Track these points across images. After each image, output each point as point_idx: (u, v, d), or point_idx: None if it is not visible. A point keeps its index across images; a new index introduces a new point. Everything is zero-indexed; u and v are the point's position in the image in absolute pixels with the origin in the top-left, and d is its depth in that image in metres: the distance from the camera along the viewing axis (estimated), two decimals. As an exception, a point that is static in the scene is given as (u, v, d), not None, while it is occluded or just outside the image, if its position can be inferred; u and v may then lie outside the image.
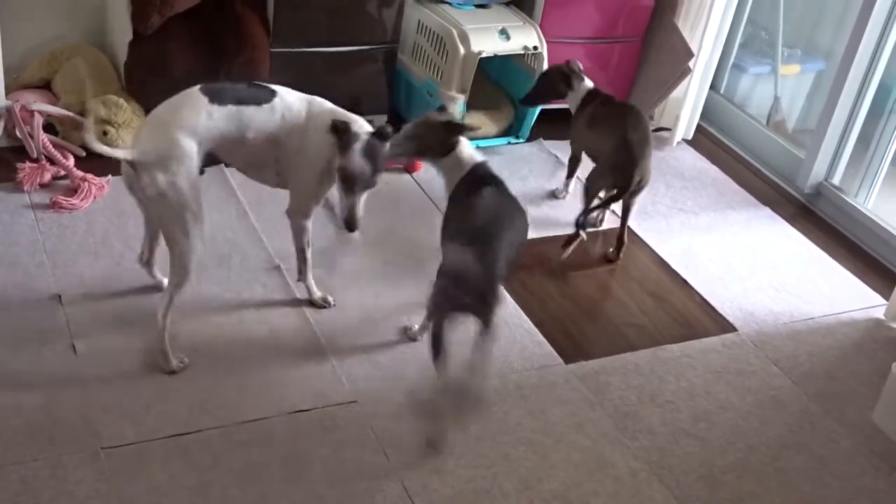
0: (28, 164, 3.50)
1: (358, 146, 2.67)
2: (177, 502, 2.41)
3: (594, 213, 3.71)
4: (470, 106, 4.00)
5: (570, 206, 3.91)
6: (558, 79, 3.73)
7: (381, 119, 4.16)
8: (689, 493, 2.69)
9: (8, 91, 3.70)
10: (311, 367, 2.86)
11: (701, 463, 2.80)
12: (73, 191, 3.46)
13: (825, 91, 4.23)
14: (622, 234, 3.63)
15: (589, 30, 4.31)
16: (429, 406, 2.67)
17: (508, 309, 3.26)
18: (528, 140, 4.30)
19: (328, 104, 2.88)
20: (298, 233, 2.98)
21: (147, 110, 3.61)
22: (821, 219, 4.16)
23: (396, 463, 2.62)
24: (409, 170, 3.95)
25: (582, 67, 3.73)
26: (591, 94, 3.70)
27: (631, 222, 3.81)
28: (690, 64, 4.28)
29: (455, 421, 2.68)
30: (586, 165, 3.71)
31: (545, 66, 3.99)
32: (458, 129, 2.86)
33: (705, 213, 4.05)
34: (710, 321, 3.41)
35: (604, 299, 3.45)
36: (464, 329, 2.58)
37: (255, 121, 2.75)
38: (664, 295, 3.50)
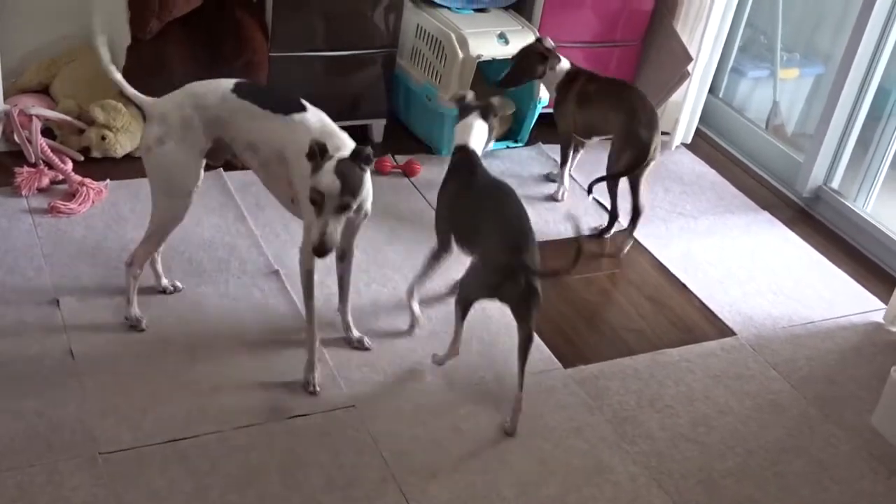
0: (26, 168, 3.50)
1: (329, 165, 2.44)
2: (174, 507, 2.41)
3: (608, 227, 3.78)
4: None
5: (566, 211, 3.91)
6: (535, 59, 3.72)
7: (380, 123, 4.17)
8: (689, 497, 2.68)
9: (6, 95, 3.70)
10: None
11: (700, 467, 2.79)
12: (71, 195, 3.46)
13: (824, 95, 4.23)
14: (637, 205, 3.67)
15: (588, 34, 4.31)
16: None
17: (506, 313, 3.26)
18: (527, 144, 4.30)
19: (335, 130, 2.69)
20: (302, 277, 2.75)
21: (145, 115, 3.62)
22: (820, 223, 4.16)
23: (395, 468, 2.61)
24: (408, 174, 3.95)
25: (554, 45, 3.73)
26: (574, 73, 3.71)
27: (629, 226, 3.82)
28: (689, 68, 4.29)
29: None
30: (586, 167, 3.71)
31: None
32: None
33: (704, 218, 4.05)
34: (709, 325, 3.40)
35: (603, 304, 3.45)
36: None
37: (264, 128, 2.69)
38: (663, 299, 3.50)
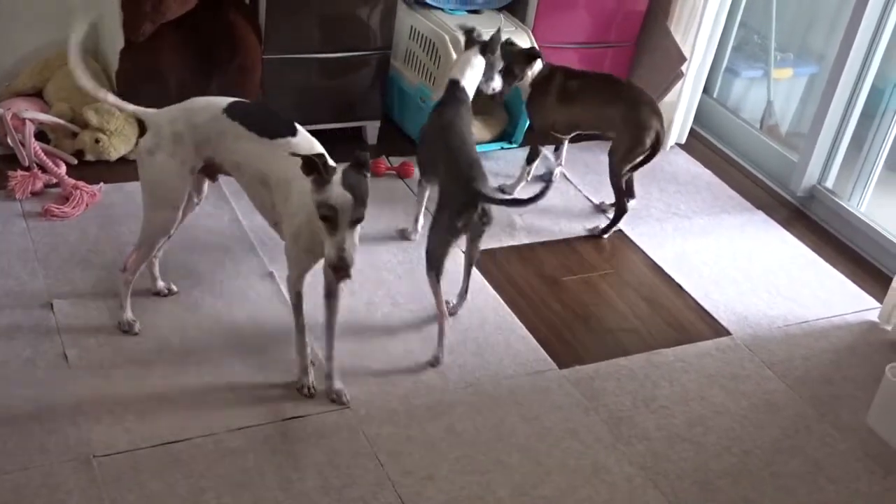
0: (20, 172, 3.49)
1: (336, 177, 2.36)
2: (169, 511, 2.40)
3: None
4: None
5: (561, 212, 3.92)
6: (522, 60, 3.67)
7: (375, 125, 4.17)
8: (685, 498, 2.68)
9: (-1, 99, 3.70)
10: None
11: (696, 468, 2.79)
12: (65, 199, 3.45)
13: (818, 94, 4.23)
14: (630, 197, 3.80)
15: (582, 35, 4.31)
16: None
17: (502, 314, 3.27)
18: (522, 145, 4.29)
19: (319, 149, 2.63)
20: (291, 298, 2.73)
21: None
22: (814, 222, 4.16)
23: (390, 469, 2.61)
24: (403, 175, 3.95)
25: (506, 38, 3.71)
26: (551, 68, 3.71)
27: (624, 227, 3.82)
28: (683, 68, 4.29)
29: None
30: (579, 167, 3.71)
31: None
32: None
33: (699, 218, 4.05)
34: (704, 325, 3.40)
35: (598, 304, 3.44)
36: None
37: (248, 150, 2.66)
38: (658, 299, 3.50)
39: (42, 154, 3.52)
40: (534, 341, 3.17)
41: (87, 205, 3.45)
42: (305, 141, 2.65)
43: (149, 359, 2.85)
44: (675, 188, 4.23)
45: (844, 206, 4.09)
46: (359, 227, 2.41)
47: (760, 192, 4.34)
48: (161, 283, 3.09)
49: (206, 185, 2.95)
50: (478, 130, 4.04)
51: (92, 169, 3.64)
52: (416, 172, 3.92)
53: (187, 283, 3.17)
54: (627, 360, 3.17)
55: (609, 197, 3.85)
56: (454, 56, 3.90)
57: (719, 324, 3.41)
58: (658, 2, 4.35)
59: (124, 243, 3.24)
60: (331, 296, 2.72)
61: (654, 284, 3.59)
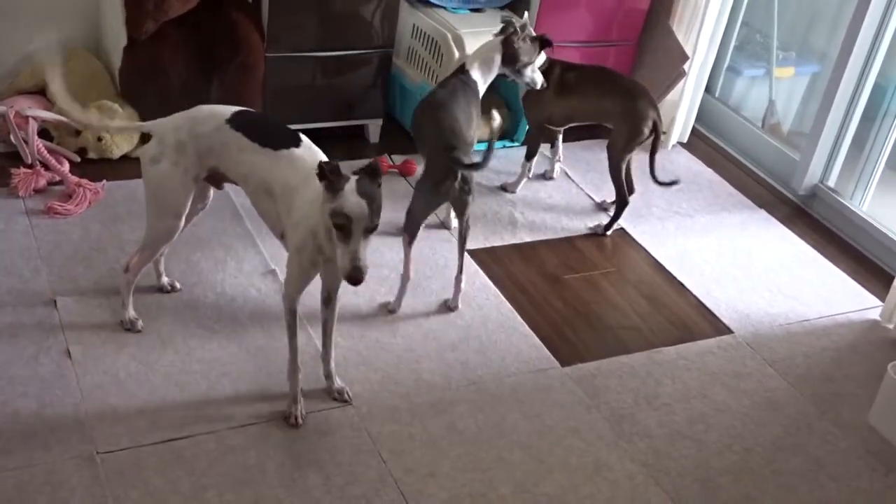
0: (23, 169, 3.50)
1: (350, 185, 2.33)
2: (172, 507, 2.41)
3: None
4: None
5: (563, 210, 3.92)
6: (534, 45, 3.61)
7: (377, 123, 4.17)
8: (686, 495, 2.69)
9: (2, 97, 3.70)
10: (307, 371, 2.85)
11: (697, 465, 2.79)
12: (68, 196, 3.46)
13: (820, 93, 4.23)
14: (630, 190, 3.79)
15: (584, 33, 4.31)
16: None
17: (503, 312, 3.27)
18: (523, 143, 4.29)
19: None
20: (286, 314, 2.66)
21: (141, 115, 3.63)
22: (816, 221, 4.16)
23: (393, 467, 2.61)
24: (405, 173, 3.95)
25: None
26: (550, 62, 3.73)
27: (626, 225, 3.82)
28: (685, 67, 4.29)
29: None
30: (580, 165, 3.71)
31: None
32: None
33: (701, 216, 4.05)
34: (705, 323, 3.41)
35: (599, 302, 3.45)
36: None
37: (252, 161, 2.64)
38: (660, 297, 3.50)
39: (45, 151, 3.53)
40: (536, 339, 3.17)
41: (89, 202, 3.46)
42: (308, 151, 2.64)
43: (151, 356, 2.85)
44: (676, 186, 4.22)
45: (846, 204, 4.09)
46: (371, 237, 2.39)
47: (762, 191, 4.35)
48: (165, 279, 3.10)
49: (211, 192, 2.94)
50: (479, 128, 4.04)
51: (95, 166, 3.64)
52: (419, 171, 3.93)
53: (189, 280, 3.17)
54: (629, 358, 3.17)
55: (610, 195, 3.85)
56: (456, 54, 3.91)
57: (721, 322, 3.42)
58: (660, 0, 4.35)
59: (127, 240, 3.25)
60: (329, 302, 2.73)
61: (656, 282, 3.59)
